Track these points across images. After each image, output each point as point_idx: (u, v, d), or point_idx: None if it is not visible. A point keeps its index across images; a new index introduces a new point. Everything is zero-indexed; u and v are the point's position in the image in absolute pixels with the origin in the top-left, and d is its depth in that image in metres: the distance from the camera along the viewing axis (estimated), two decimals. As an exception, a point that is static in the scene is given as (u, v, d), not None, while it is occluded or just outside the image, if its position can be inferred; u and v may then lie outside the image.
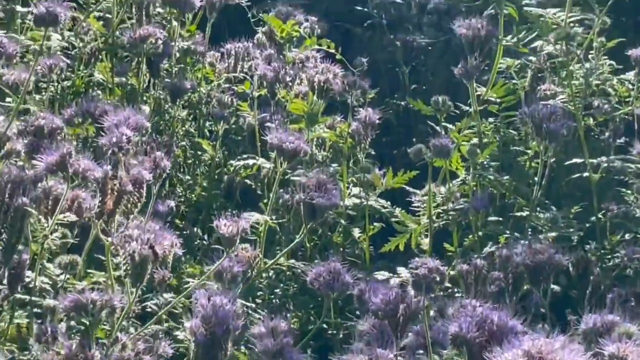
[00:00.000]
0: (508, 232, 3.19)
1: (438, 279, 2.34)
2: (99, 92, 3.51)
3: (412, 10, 4.44)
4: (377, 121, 3.30)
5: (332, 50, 3.53)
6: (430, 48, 4.31)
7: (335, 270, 2.62)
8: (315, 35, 3.72)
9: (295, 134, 2.90)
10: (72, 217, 2.60)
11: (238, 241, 2.55)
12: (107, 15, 3.55)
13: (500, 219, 3.27)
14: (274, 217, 3.01)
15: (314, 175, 2.87)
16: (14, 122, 2.73)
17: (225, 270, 2.65)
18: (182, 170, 3.53)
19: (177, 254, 2.55)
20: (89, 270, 2.74)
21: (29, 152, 2.71)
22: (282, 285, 3.10)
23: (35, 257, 2.59)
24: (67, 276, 2.59)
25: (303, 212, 2.84)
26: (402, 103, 4.16)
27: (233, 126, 3.55)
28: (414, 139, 3.61)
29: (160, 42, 3.29)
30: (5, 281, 2.52)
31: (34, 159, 2.66)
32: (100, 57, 3.54)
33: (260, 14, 3.77)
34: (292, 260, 3.00)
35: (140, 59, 3.37)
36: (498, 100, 3.40)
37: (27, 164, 2.72)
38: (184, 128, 3.53)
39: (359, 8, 4.60)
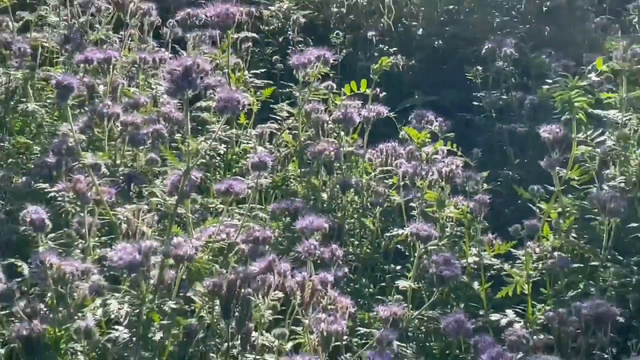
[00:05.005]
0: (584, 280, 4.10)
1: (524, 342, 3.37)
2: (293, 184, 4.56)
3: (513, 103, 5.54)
4: (488, 200, 4.23)
5: (455, 149, 4.48)
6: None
7: (460, 320, 3.61)
8: (442, 130, 4.68)
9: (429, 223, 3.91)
10: (279, 294, 3.65)
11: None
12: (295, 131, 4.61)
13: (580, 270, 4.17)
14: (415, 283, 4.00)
15: (442, 254, 3.84)
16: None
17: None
18: (352, 234, 4.54)
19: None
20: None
21: (251, 255, 3.76)
22: (423, 328, 4.09)
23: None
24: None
25: (435, 281, 3.82)
26: (509, 173, 5.20)
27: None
28: (518, 201, 4.57)
29: (332, 153, 4.33)
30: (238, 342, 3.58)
31: (253, 261, 3.72)
32: (291, 159, 4.60)
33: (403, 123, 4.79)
34: (431, 312, 3.97)
35: (319, 162, 4.41)
36: (576, 178, 4.26)
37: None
38: (352, 207, 4.54)
39: (475, 103, 5.68)
